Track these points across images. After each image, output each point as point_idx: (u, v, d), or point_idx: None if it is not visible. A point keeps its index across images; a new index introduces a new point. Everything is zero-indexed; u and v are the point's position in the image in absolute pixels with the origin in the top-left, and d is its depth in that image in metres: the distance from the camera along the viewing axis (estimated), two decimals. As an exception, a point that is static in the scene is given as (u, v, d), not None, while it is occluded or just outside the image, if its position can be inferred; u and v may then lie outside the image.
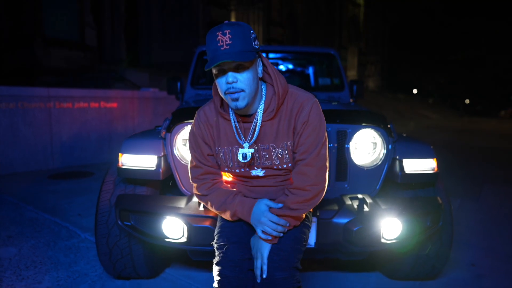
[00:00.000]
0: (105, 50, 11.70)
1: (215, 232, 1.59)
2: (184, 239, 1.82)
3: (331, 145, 2.04)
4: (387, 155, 2.10)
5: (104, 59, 11.33)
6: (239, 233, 1.54)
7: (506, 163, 8.09)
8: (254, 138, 1.43)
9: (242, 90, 1.31)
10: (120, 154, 2.10)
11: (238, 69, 1.30)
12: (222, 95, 1.36)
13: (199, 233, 1.78)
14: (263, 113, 1.41)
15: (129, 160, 2.06)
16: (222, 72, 1.32)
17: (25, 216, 3.65)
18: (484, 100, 47.76)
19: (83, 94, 6.40)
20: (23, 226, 3.37)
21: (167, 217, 1.84)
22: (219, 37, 1.27)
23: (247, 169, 1.50)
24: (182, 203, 1.89)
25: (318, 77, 3.91)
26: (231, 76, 1.30)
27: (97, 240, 2.15)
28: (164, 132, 2.12)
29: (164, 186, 2.36)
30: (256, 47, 1.34)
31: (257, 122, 1.41)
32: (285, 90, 1.43)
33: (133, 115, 7.24)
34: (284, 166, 1.48)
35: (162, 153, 2.08)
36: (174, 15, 13.44)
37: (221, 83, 1.33)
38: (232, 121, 1.45)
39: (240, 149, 1.45)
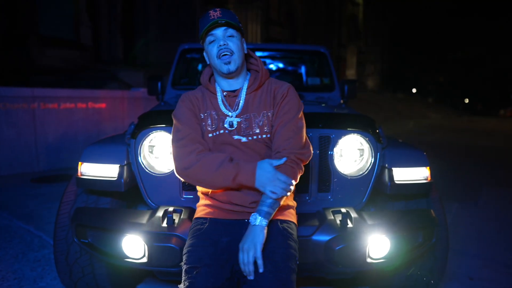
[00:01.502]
0: (102, 49, 11.51)
1: (184, 251, 1.40)
2: (145, 260, 1.62)
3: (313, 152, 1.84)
4: (375, 164, 1.90)
5: (100, 58, 11.14)
6: (212, 253, 1.35)
7: (506, 163, 7.89)
8: (240, 108, 1.53)
9: (233, 52, 1.46)
10: (79, 163, 1.90)
11: (228, 36, 1.48)
12: (214, 62, 1.49)
13: (161, 253, 1.59)
14: (247, 87, 1.55)
15: (89, 170, 1.86)
16: (214, 40, 1.48)
17: (-3, 224, 3.46)
18: (483, 99, 47.52)
19: (69, 94, 6.20)
20: (-7, 235, 3.18)
21: (127, 234, 1.64)
22: (211, 13, 1.47)
23: (231, 133, 1.52)
24: (143, 218, 1.69)
25: (308, 76, 3.70)
26: (222, 39, 1.47)
27: (55, 257, 1.96)
28: (129, 138, 1.92)
29: (131, 197, 2.15)
30: (242, 29, 1.54)
31: (242, 93, 1.54)
32: (267, 73, 1.60)
33: (122, 115, 7.03)
34: (264, 136, 1.51)
35: (125, 162, 1.88)
36: (171, 14, 13.23)
37: (213, 49, 1.48)
38: (219, 93, 1.56)
39: (227, 117, 1.52)
